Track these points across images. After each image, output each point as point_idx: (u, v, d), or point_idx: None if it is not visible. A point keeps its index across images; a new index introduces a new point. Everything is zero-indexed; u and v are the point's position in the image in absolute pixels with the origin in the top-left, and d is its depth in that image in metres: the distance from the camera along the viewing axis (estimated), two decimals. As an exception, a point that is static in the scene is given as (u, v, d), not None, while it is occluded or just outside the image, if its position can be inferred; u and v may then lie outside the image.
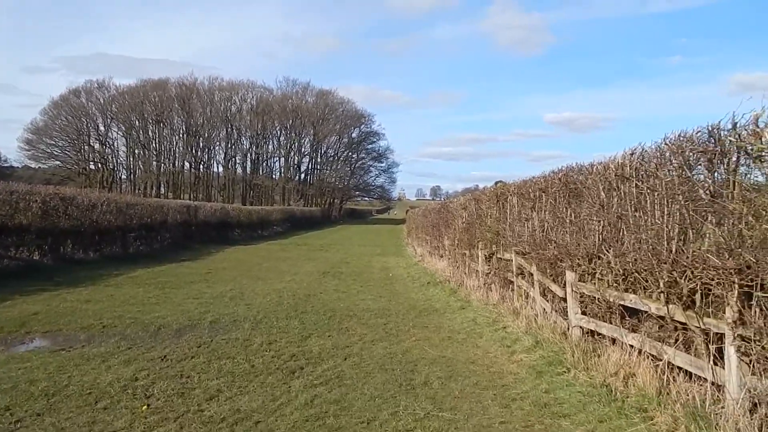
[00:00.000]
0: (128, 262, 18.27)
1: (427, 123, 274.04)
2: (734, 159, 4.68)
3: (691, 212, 5.10)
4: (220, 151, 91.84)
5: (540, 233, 9.00)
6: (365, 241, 36.84)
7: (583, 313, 7.09)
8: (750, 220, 4.30)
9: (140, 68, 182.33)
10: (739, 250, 4.30)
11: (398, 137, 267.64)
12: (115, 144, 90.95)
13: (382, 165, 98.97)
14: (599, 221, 6.81)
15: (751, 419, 4.08)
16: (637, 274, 5.89)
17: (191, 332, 8.39)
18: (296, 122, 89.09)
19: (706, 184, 4.95)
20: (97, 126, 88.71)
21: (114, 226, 20.42)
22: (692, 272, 4.89)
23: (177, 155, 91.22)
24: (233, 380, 6.03)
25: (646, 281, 5.71)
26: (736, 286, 4.28)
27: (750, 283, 4.15)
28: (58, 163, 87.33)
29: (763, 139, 4.30)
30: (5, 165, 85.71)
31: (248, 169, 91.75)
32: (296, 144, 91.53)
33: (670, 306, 5.21)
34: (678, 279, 5.12)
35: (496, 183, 21.57)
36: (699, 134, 5.08)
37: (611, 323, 6.42)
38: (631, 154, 6.31)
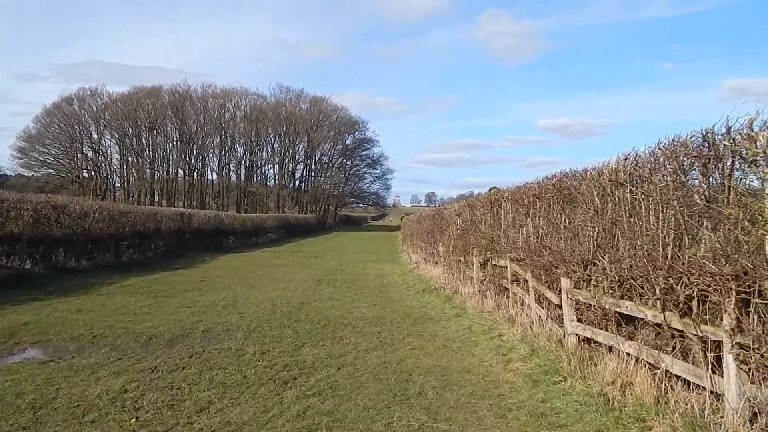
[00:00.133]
0: (121, 270, 18.13)
1: (422, 129, 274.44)
2: (729, 163, 4.63)
3: (686, 218, 5.05)
4: (214, 159, 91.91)
5: (534, 239, 8.95)
6: (360, 248, 36.73)
7: (579, 320, 7.02)
8: (746, 226, 4.25)
9: (134, 76, 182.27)
10: (736, 256, 4.25)
11: (393, 144, 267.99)
12: (109, 152, 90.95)
13: (377, 172, 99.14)
14: (594, 227, 6.75)
15: (751, 429, 4.01)
16: (632, 281, 5.83)
17: (183, 342, 8.28)
18: (290, 129, 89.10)
19: (701, 189, 4.91)
20: (90, 134, 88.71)
21: (107, 234, 20.27)
22: (688, 279, 4.84)
23: (171, 163, 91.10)
24: (224, 391, 5.93)
25: (642, 288, 5.66)
26: (734, 292, 4.22)
27: (747, 290, 4.09)
28: (51, 171, 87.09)
29: (758, 143, 4.25)
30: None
31: (242, 177, 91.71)
32: (290, 151, 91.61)
33: (667, 313, 5.15)
34: (674, 285, 5.06)
35: (491, 189, 21.55)
36: (693, 139, 5.03)
37: (607, 331, 6.35)
38: (625, 160, 6.26)
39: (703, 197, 4.83)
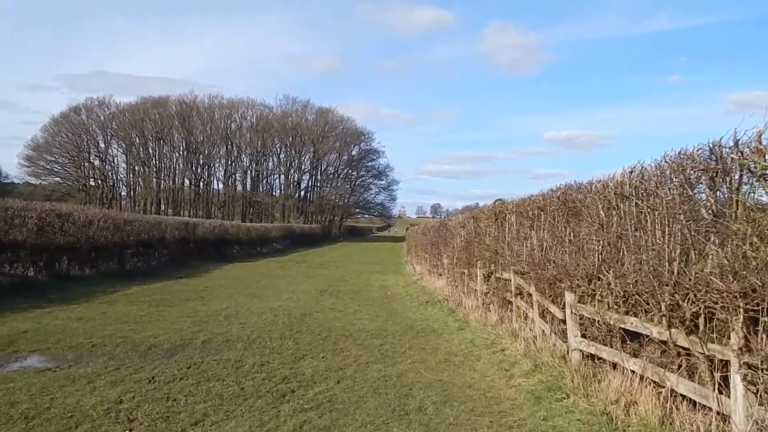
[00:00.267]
0: (124, 278, 18.09)
1: (427, 141, 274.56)
2: (737, 177, 4.54)
3: (693, 232, 4.95)
4: (220, 168, 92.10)
5: (539, 252, 8.84)
6: (365, 259, 36.62)
7: (583, 335, 6.90)
8: (755, 241, 4.15)
9: (142, 86, 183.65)
10: (744, 272, 4.14)
11: (398, 155, 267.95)
12: (115, 161, 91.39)
13: (382, 182, 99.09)
14: (599, 241, 6.65)
15: (759, 452, 3.89)
16: (637, 296, 5.71)
17: (182, 352, 8.20)
18: (296, 140, 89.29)
19: (708, 204, 4.81)
20: (98, 143, 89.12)
21: (111, 242, 20.26)
22: (695, 295, 4.73)
23: (177, 172, 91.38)
24: (221, 404, 5.84)
25: (648, 304, 5.54)
26: (742, 310, 4.11)
27: (756, 308, 3.98)
28: (58, 179, 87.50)
29: (766, 157, 4.16)
30: (6, 181, 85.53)
31: (248, 186, 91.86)
32: (296, 161, 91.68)
33: (673, 330, 5.04)
34: (680, 302, 4.95)
35: (496, 201, 21.44)
36: (700, 152, 4.95)
37: (612, 347, 6.23)
38: (631, 173, 6.17)
39: (710, 212, 4.73)
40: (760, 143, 4.18)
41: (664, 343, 5.26)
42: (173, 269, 22.41)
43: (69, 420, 5.18)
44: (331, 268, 27.22)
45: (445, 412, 5.79)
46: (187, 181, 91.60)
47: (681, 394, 4.97)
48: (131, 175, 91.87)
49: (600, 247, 6.61)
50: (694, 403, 4.85)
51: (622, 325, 5.95)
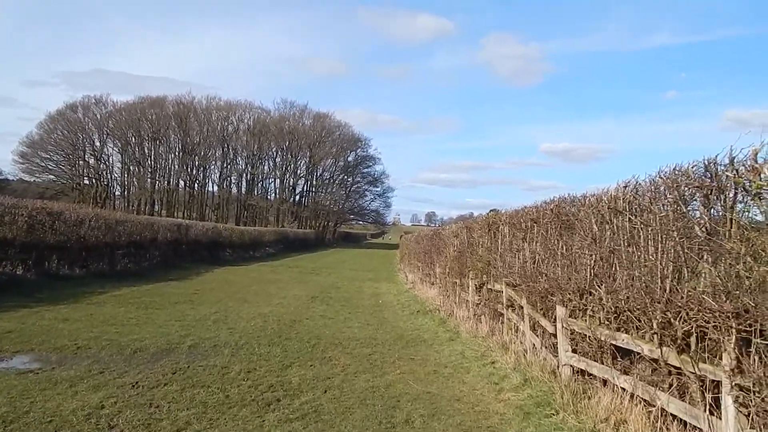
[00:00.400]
0: (114, 279, 17.92)
1: (425, 148, 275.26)
2: (731, 195, 4.49)
3: (686, 250, 4.90)
4: (216, 171, 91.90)
5: (531, 265, 8.78)
6: (358, 266, 36.51)
7: (574, 350, 6.84)
8: (748, 261, 4.09)
9: (141, 85, 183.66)
10: (737, 292, 4.08)
11: (395, 162, 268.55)
12: (110, 160, 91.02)
13: (378, 189, 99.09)
14: (591, 255, 6.60)
15: (749, 476, 3.82)
16: (629, 313, 5.66)
17: (168, 357, 8.08)
18: (292, 144, 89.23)
19: (702, 221, 4.76)
20: (93, 141, 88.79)
21: (102, 242, 20.07)
22: (687, 314, 4.67)
23: (172, 173, 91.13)
24: (205, 411, 5.73)
25: (639, 321, 5.49)
26: (734, 331, 4.05)
27: (748, 329, 3.92)
28: (52, 177, 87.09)
29: (762, 176, 4.11)
30: (0, 178, 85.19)
31: (243, 189, 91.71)
32: (292, 166, 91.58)
33: (664, 348, 4.98)
34: (672, 320, 4.89)
35: (491, 211, 21.39)
36: (695, 168, 4.90)
37: (602, 363, 6.16)
38: (625, 187, 6.13)
39: (704, 229, 4.68)
40: (756, 162, 4.13)
41: (655, 361, 5.20)
42: (164, 271, 22.24)
43: (48, 425, 5.07)
44: (323, 274, 27.10)
45: (433, 425, 5.71)
46: (181, 183, 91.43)
47: (672, 414, 4.91)
48: (126, 175, 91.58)
49: (592, 261, 6.56)
50: (685, 423, 4.78)
51: (613, 342, 5.89)
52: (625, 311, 5.75)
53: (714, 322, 4.27)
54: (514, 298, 9.54)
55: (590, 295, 6.51)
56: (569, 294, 7.00)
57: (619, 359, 5.98)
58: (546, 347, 7.87)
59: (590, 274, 6.57)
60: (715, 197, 4.60)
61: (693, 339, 4.71)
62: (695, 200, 5.00)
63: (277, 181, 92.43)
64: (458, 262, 14.56)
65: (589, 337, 6.41)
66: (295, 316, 12.90)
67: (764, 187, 4.09)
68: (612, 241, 6.17)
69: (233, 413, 5.74)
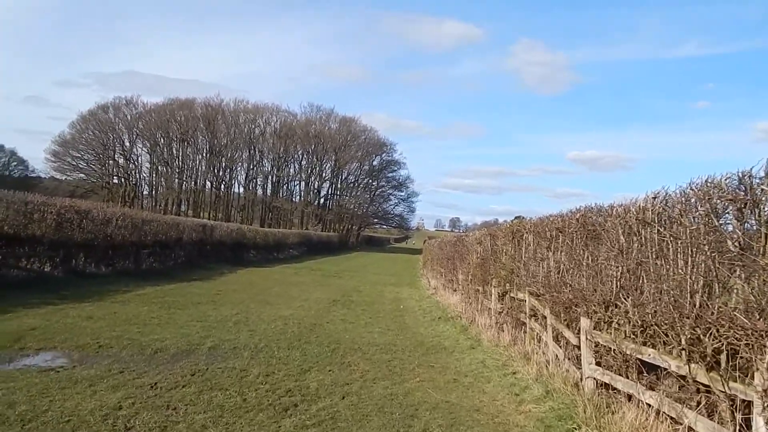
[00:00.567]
0: (139, 278, 18.11)
1: (449, 154, 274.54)
2: (767, 209, 4.33)
3: (717, 264, 4.73)
4: (242, 172, 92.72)
5: (555, 275, 8.62)
6: (380, 270, 36.45)
7: (598, 363, 6.67)
8: (784, 278, 3.93)
9: (170, 87, 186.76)
10: (771, 310, 3.92)
11: (419, 167, 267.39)
12: (139, 160, 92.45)
13: (402, 194, 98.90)
14: (617, 267, 6.43)
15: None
16: (656, 327, 5.49)
17: (188, 358, 8.10)
18: (318, 147, 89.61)
19: (735, 235, 4.59)
20: (123, 141, 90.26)
21: (128, 241, 20.32)
22: (717, 330, 4.51)
23: (199, 174, 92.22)
24: (221, 415, 5.71)
25: (666, 336, 5.32)
26: (767, 350, 3.89)
27: (783, 349, 3.76)
28: (82, 176, 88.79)
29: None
30: (32, 175, 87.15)
31: (268, 191, 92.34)
32: (317, 169, 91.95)
33: (692, 365, 4.81)
34: (701, 336, 4.73)
35: (516, 218, 21.17)
36: (728, 181, 4.74)
37: (627, 378, 5.99)
38: (654, 198, 5.96)
39: (737, 244, 4.51)
40: (794, 175, 3.97)
41: (683, 377, 5.03)
42: (188, 271, 22.44)
43: (65, 425, 5.09)
44: (345, 278, 27.10)
45: (451, 436, 5.60)
46: (208, 183, 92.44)
47: (699, 434, 4.73)
48: (154, 175, 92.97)
49: (619, 273, 6.39)
50: (713, 444, 4.61)
51: (639, 356, 5.73)
52: (652, 325, 5.58)
53: (746, 340, 4.11)
54: (537, 308, 9.38)
55: (616, 307, 6.35)
56: (594, 306, 6.84)
57: (644, 374, 5.81)
58: (569, 359, 7.70)
59: (616, 286, 6.41)
60: (749, 211, 4.44)
61: (723, 356, 4.54)
62: (727, 213, 4.84)
63: (302, 183, 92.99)
64: (481, 269, 14.40)
65: (614, 350, 6.24)
66: (316, 319, 12.88)
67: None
68: (639, 253, 6.01)
69: (249, 417, 5.71)
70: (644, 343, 5.71)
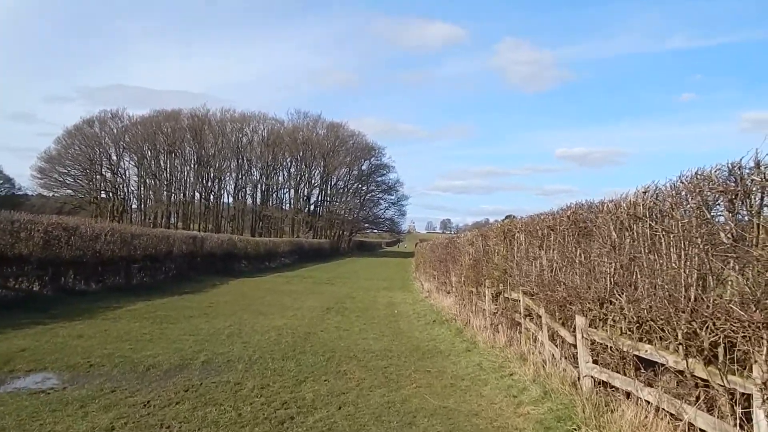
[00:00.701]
0: (130, 293, 17.93)
1: (439, 156, 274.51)
2: (758, 200, 4.30)
3: (711, 257, 4.69)
4: (231, 182, 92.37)
5: (548, 273, 8.58)
6: (372, 275, 36.35)
7: (595, 361, 6.62)
8: (778, 269, 3.90)
9: (158, 99, 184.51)
10: (767, 302, 3.89)
11: (409, 170, 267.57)
12: (127, 173, 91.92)
13: (392, 197, 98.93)
14: (611, 263, 6.40)
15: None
16: (652, 323, 5.45)
17: (181, 374, 7.98)
18: (306, 154, 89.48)
19: (728, 227, 4.56)
20: (110, 155, 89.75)
21: (118, 256, 20.15)
22: (714, 324, 4.47)
23: (188, 185, 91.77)
24: None
25: (663, 331, 5.28)
26: (765, 342, 3.86)
27: (781, 340, 3.72)
28: (70, 191, 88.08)
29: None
30: (19, 193, 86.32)
31: (258, 200, 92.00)
32: (306, 175, 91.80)
33: (690, 360, 4.77)
34: (698, 330, 4.69)
35: (506, 217, 21.18)
36: (718, 172, 4.71)
37: (625, 375, 5.94)
38: (644, 193, 5.93)
39: (729, 235, 4.48)
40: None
41: (681, 373, 4.99)
42: (179, 284, 22.26)
43: (56, 448, 4.97)
44: (338, 284, 26.99)
45: (450, 442, 5.53)
46: (197, 195, 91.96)
47: (700, 429, 4.68)
48: (142, 188, 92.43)
49: (612, 269, 6.36)
50: (714, 439, 4.56)
51: (636, 352, 5.68)
52: (647, 321, 5.54)
53: (743, 332, 4.07)
54: (531, 308, 9.34)
55: (611, 304, 6.30)
56: (589, 303, 6.80)
57: (642, 370, 5.76)
58: (566, 358, 7.65)
59: (610, 283, 6.37)
60: (740, 202, 4.41)
61: (720, 350, 4.50)
62: (718, 205, 4.81)
63: (292, 191, 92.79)
64: (474, 270, 14.36)
65: (611, 347, 6.19)
66: (310, 328, 12.78)
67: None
68: (632, 248, 5.97)
69: (245, 432, 5.61)
70: (640, 339, 5.66)
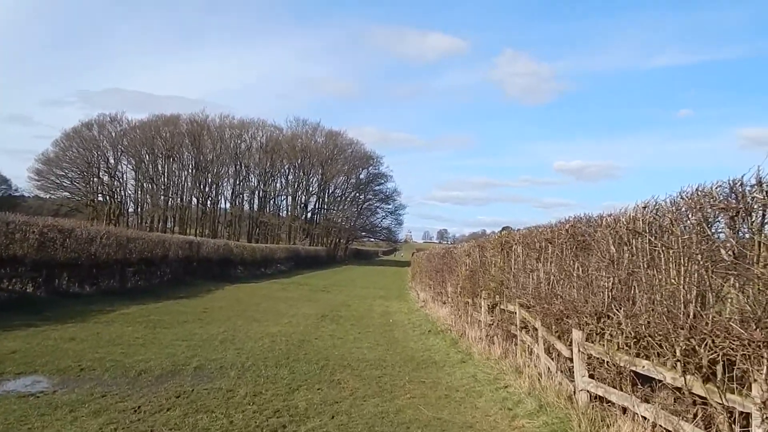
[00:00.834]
0: (124, 297, 17.82)
1: (437, 166, 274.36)
2: (759, 217, 4.28)
3: (711, 273, 4.66)
4: (228, 188, 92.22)
5: (545, 286, 8.54)
6: (369, 283, 36.25)
7: (591, 376, 6.57)
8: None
9: (155, 104, 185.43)
10: (768, 320, 3.85)
11: (407, 179, 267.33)
12: (124, 177, 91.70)
13: (389, 207, 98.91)
14: (609, 277, 6.36)
15: None
16: (650, 338, 5.41)
17: (173, 379, 7.90)
18: (305, 161, 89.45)
19: (729, 244, 4.53)
20: (107, 159, 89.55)
21: (113, 259, 20.03)
22: (713, 341, 4.43)
23: (185, 190, 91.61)
24: (207, 439, 5.53)
25: (661, 347, 5.23)
26: (765, 361, 3.82)
27: (781, 360, 3.68)
28: (66, 194, 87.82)
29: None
30: (16, 194, 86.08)
31: (255, 207, 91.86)
32: (304, 183, 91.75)
33: (688, 377, 4.72)
34: (696, 347, 4.65)
35: (503, 229, 21.15)
36: (719, 189, 4.69)
37: (622, 390, 5.90)
38: (644, 208, 5.91)
39: (730, 252, 4.45)
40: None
41: (679, 389, 4.95)
42: (175, 288, 22.15)
43: (44, 453, 4.89)
44: (333, 292, 26.89)
45: (444, 455, 5.46)
46: (194, 200, 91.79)
47: (697, 447, 4.63)
48: (139, 192, 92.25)
49: (610, 283, 6.32)
50: (712, 458, 4.51)
51: (633, 368, 5.63)
52: (645, 336, 5.50)
53: (743, 350, 4.03)
54: (527, 320, 9.28)
55: (608, 318, 6.27)
56: (586, 317, 6.76)
57: (639, 386, 5.71)
58: (561, 371, 7.60)
59: (608, 297, 6.33)
60: (741, 219, 4.38)
61: (719, 368, 4.46)
62: (719, 222, 4.79)
63: (289, 198, 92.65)
64: (470, 281, 14.31)
65: (607, 362, 6.15)
66: (304, 335, 12.70)
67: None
68: (631, 263, 5.94)
69: (236, 441, 5.53)
70: (638, 355, 5.62)
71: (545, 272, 8.67)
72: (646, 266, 5.65)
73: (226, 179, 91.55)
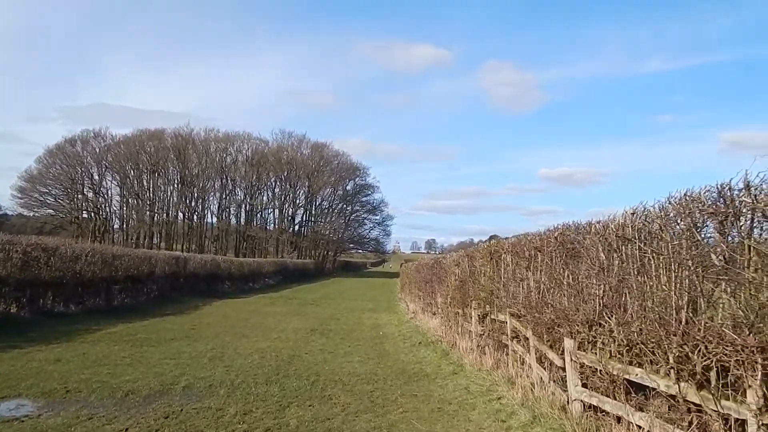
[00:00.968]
0: (111, 315, 17.59)
1: (424, 176, 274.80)
2: (748, 222, 4.27)
3: (702, 279, 4.65)
4: (214, 202, 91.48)
5: (536, 295, 8.51)
6: (357, 296, 36.06)
7: (584, 385, 6.53)
8: (771, 292, 3.85)
9: (139, 119, 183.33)
10: (761, 325, 3.83)
11: (394, 190, 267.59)
12: (109, 193, 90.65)
13: (377, 218, 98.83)
14: (599, 285, 6.34)
15: None
16: (642, 346, 5.38)
17: (161, 399, 7.76)
18: (291, 174, 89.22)
19: (719, 249, 4.52)
20: (92, 175, 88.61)
21: (98, 277, 19.77)
22: (706, 347, 4.40)
23: (171, 205, 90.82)
24: (197, 461, 5.41)
25: (653, 354, 5.21)
26: (759, 366, 3.79)
27: (776, 365, 3.66)
28: (50, 211, 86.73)
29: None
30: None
31: (242, 220, 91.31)
32: (291, 195, 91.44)
33: (682, 384, 4.70)
34: (690, 354, 4.62)
35: (491, 238, 21.14)
36: (707, 194, 4.69)
37: (615, 399, 5.85)
38: (633, 214, 5.91)
39: (720, 257, 4.44)
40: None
41: (673, 397, 4.91)
42: (162, 305, 21.90)
43: (28, 480, 4.75)
44: (322, 305, 26.71)
45: (438, 470, 5.38)
46: (180, 215, 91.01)
47: (693, 456, 4.59)
48: (125, 208, 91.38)
49: (601, 291, 6.30)
50: (708, 466, 4.47)
51: (627, 376, 5.60)
52: (637, 344, 5.47)
53: (737, 356, 4.01)
54: (518, 329, 9.24)
55: (600, 326, 6.24)
56: (577, 325, 6.73)
57: (633, 394, 5.67)
58: (554, 381, 7.55)
59: (599, 305, 6.31)
60: (730, 223, 4.38)
61: (713, 374, 4.44)
62: (708, 226, 4.78)
63: (276, 211, 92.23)
64: (460, 291, 14.26)
65: (600, 370, 6.11)
66: (294, 350, 12.56)
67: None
68: (621, 270, 5.92)
69: (227, 462, 5.42)
70: (631, 363, 5.59)
71: (535, 281, 8.65)
72: (636, 273, 5.64)
73: (212, 193, 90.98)
